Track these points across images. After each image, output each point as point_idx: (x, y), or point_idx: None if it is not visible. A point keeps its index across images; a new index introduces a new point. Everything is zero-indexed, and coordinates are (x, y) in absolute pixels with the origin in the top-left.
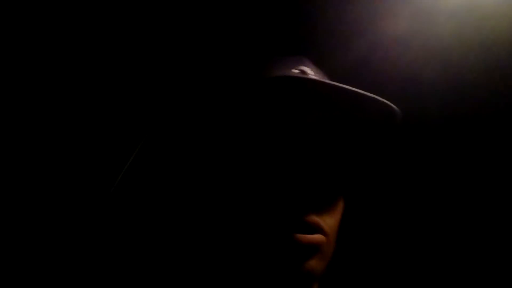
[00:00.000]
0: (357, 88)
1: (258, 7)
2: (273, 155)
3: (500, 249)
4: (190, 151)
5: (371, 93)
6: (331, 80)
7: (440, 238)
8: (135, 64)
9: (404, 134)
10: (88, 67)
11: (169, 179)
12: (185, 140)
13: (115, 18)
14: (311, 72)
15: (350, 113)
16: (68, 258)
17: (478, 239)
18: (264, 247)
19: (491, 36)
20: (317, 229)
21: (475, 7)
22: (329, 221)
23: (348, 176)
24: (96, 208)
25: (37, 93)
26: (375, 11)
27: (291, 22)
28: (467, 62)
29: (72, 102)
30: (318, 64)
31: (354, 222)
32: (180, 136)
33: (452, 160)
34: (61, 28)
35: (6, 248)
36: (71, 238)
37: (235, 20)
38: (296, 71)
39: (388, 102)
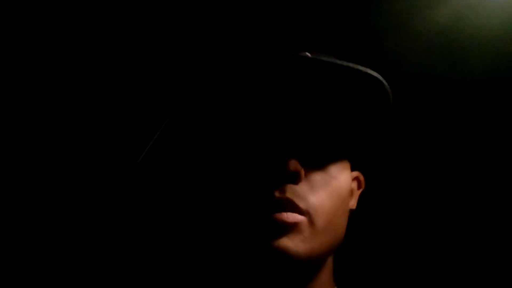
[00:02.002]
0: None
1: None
2: (254, 132)
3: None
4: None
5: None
6: None
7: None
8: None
9: (445, 129)
10: (80, 56)
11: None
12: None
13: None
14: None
15: (337, 86)
16: (68, 258)
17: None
18: (240, 227)
19: None
20: (292, 207)
21: None
22: (313, 200)
23: (339, 154)
24: (95, 208)
25: (34, 93)
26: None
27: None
28: None
29: (71, 100)
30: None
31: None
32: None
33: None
34: (58, 27)
35: (6, 248)
36: (72, 237)
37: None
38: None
39: (375, 74)
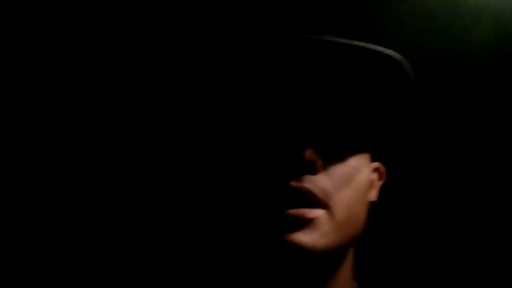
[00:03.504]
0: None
1: None
2: (270, 121)
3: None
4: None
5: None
6: None
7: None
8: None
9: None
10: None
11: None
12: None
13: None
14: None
15: (352, 68)
16: (68, 258)
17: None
18: (256, 220)
19: None
20: (310, 198)
21: None
22: (333, 191)
23: (359, 144)
24: (96, 208)
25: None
26: None
27: None
28: None
29: (66, 100)
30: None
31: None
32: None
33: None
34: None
35: (6, 248)
36: (71, 238)
37: None
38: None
39: (395, 54)
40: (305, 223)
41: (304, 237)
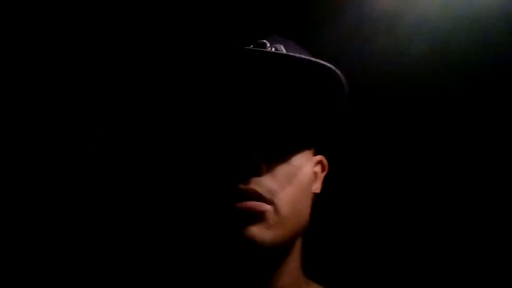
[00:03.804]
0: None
1: None
2: (217, 128)
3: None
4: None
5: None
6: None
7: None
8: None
9: (390, 109)
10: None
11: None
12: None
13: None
14: (268, 44)
15: (291, 78)
16: (67, 258)
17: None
18: (208, 219)
19: (478, 10)
20: (257, 197)
21: None
22: (278, 190)
23: (299, 142)
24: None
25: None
26: None
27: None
28: (454, 37)
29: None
30: (303, 40)
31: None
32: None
33: (436, 134)
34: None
35: (6, 248)
36: (70, 238)
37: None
38: (252, 45)
39: (327, 64)
40: (255, 217)
41: (254, 230)
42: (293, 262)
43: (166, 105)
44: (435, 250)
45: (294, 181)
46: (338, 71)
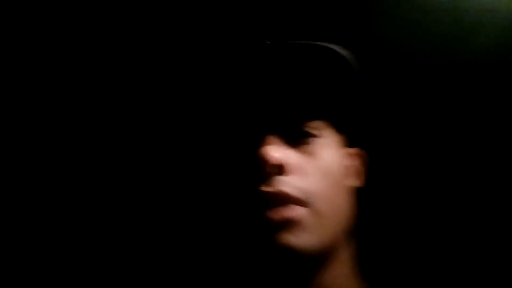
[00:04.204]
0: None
1: None
2: (233, 129)
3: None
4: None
5: None
6: None
7: None
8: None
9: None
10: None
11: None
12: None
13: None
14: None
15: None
16: (67, 258)
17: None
18: (238, 230)
19: None
20: (285, 199)
21: None
22: (307, 186)
23: (322, 132)
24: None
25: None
26: None
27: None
28: None
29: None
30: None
31: None
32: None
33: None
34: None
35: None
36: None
37: None
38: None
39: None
40: (288, 223)
41: (292, 238)
42: (342, 266)
43: (179, 104)
44: None
45: (324, 176)
46: (339, 49)
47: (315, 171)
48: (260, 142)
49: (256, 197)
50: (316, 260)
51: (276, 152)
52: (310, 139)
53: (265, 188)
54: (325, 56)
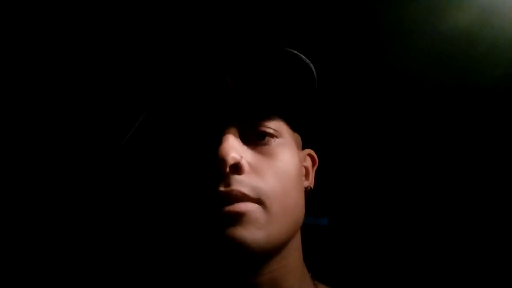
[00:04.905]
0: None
1: None
2: (194, 129)
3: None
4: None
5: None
6: None
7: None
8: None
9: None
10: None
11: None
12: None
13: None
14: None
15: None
16: (63, 258)
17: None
18: (193, 225)
19: None
20: (241, 198)
21: None
22: (263, 186)
23: (281, 135)
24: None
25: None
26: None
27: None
28: None
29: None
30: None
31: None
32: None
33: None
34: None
35: (6, 248)
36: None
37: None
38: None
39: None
40: (241, 218)
41: (243, 232)
42: (295, 260)
43: (147, 106)
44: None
45: (281, 175)
46: (303, 57)
47: (271, 172)
48: (220, 141)
49: (212, 196)
50: (265, 254)
51: (234, 151)
52: (269, 139)
53: (222, 188)
54: (290, 60)
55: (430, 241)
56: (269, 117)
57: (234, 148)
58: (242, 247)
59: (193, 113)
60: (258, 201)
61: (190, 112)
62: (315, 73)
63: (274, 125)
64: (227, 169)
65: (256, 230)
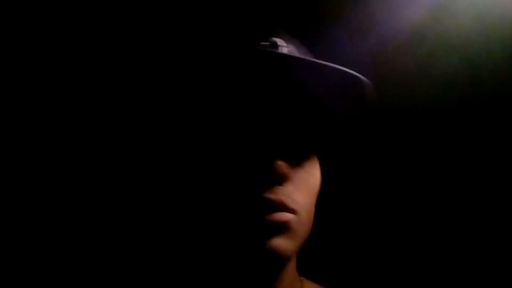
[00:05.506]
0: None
1: None
2: (239, 133)
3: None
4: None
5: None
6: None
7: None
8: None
9: (416, 127)
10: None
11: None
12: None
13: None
14: (282, 44)
15: (314, 84)
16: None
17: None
18: (233, 229)
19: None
20: (283, 207)
21: None
22: (299, 199)
23: (313, 150)
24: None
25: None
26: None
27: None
28: (487, 53)
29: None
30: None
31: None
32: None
33: (466, 150)
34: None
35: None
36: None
37: None
38: (266, 43)
39: (355, 73)
40: (281, 228)
41: (280, 242)
42: (292, 262)
43: (182, 109)
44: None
45: (310, 188)
46: (363, 79)
47: (305, 185)
48: (270, 151)
49: (257, 202)
50: (284, 262)
51: (284, 163)
52: (308, 155)
53: (268, 195)
54: (348, 83)
55: (426, 240)
56: (314, 132)
57: (281, 157)
58: (274, 255)
59: (230, 113)
60: (294, 211)
61: (226, 112)
62: (369, 95)
63: (311, 141)
64: (275, 178)
65: (289, 240)
